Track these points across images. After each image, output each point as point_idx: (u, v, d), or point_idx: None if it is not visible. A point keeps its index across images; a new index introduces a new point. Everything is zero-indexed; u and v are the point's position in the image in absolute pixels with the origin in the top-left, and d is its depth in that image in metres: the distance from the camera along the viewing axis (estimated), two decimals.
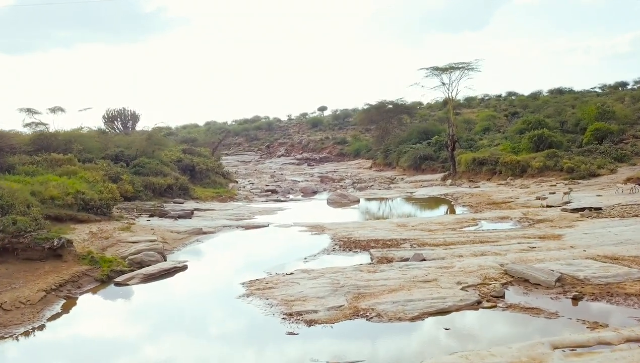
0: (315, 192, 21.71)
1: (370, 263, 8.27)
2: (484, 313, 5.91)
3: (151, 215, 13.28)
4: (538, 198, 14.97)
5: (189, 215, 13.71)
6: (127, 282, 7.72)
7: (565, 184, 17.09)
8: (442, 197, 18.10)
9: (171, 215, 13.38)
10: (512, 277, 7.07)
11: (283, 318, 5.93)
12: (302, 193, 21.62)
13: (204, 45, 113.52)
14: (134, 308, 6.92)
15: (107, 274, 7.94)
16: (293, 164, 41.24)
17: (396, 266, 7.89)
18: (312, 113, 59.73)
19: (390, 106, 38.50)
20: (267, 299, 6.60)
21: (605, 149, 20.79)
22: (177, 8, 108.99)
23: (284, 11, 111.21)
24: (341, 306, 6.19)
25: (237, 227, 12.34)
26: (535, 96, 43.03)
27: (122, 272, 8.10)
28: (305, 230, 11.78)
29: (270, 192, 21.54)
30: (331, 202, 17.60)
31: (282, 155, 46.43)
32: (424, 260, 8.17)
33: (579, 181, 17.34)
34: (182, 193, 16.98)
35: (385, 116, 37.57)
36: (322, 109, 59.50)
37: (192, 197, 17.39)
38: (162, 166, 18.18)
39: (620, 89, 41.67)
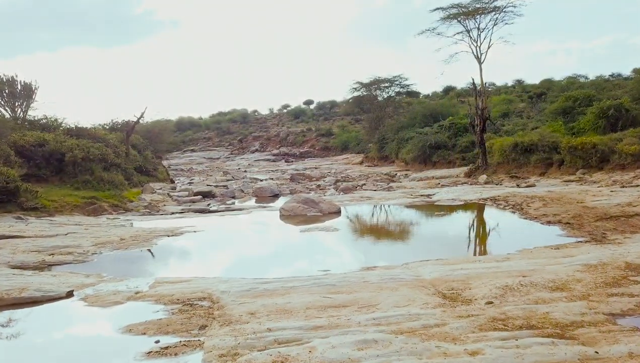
0: (276, 195, 16.18)
1: None
2: None
3: None
4: None
5: None
6: None
7: None
8: (486, 203, 11.77)
9: None
10: None
11: None
12: (255, 197, 16.02)
13: (192, 47, 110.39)
14: None
15: None
16: (268, 160, 35.63)
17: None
18: (296, 106, 53.19)
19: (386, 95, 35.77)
20: None
21: None
22: (165, 10, 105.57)
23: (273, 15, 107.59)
24: None
25: None
26: (542, 91, 40.65)
27: None
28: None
29: (201, 197, 15.33)
30: (286, 215, 11.18)
31: (257, 150, 40.49)
32: None
33: None
34: None
35: (379, 107, 33.03)
36: (309, 102, 53.50)
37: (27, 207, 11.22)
38: None
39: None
